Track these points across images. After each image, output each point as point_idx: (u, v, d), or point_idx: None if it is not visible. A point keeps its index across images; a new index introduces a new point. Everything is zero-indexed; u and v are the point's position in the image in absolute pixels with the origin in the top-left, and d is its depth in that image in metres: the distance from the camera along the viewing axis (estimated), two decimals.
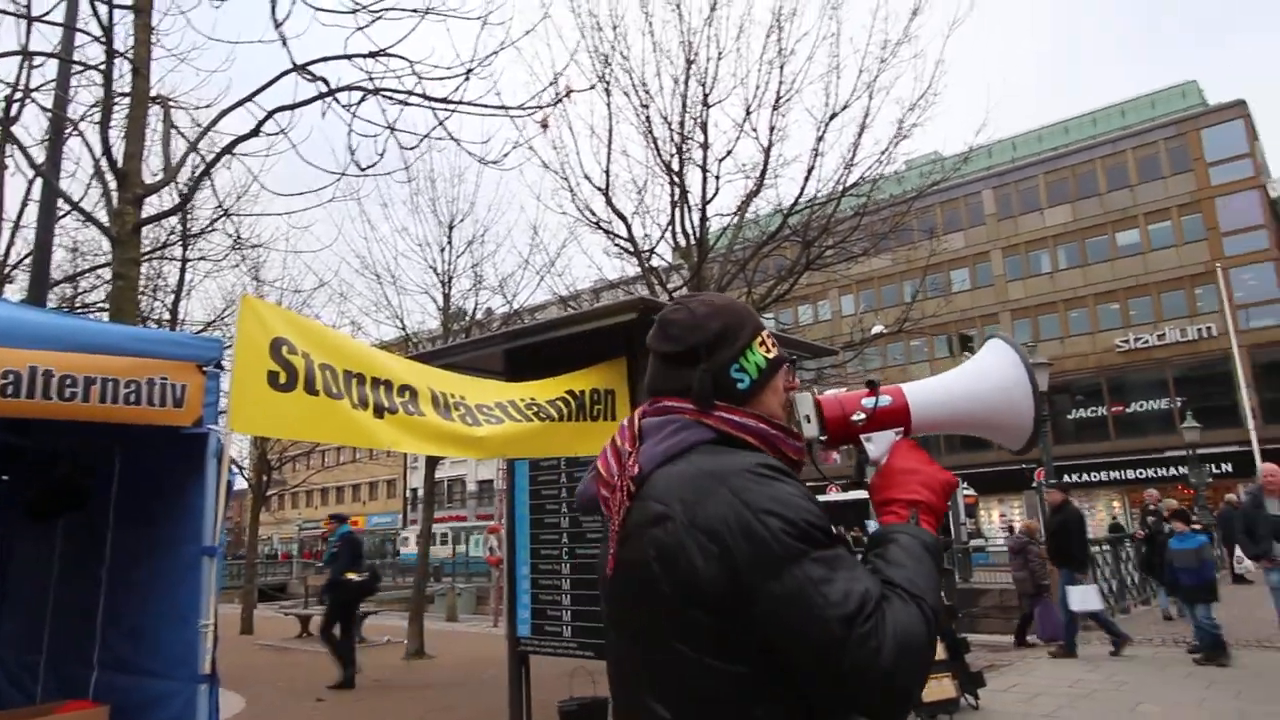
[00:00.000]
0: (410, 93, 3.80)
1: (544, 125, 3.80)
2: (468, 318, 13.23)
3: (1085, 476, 35.77)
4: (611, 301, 5.51)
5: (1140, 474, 33.66)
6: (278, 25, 3.67)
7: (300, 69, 4.28)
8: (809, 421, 1.34)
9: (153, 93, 5.49)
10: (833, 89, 9.32)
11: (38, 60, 5.46)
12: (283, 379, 3.68)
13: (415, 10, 4.44)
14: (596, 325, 5.16)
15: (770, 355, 1.30)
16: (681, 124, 9.65)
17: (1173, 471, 31.74)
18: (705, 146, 9.33)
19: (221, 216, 9.04)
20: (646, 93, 9.37)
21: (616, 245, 9.82)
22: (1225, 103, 35.62)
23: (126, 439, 3.89)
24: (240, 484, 18.36)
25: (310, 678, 10.19)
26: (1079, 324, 37.48)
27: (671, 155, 9.72)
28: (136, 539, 3.87)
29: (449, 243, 12.42)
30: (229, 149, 4.34)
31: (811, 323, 40.83)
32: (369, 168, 3.94)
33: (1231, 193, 34.02)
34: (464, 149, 4.61)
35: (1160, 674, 8.02)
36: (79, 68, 5.00)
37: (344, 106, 3.92)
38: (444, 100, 3.80)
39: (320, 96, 3.95)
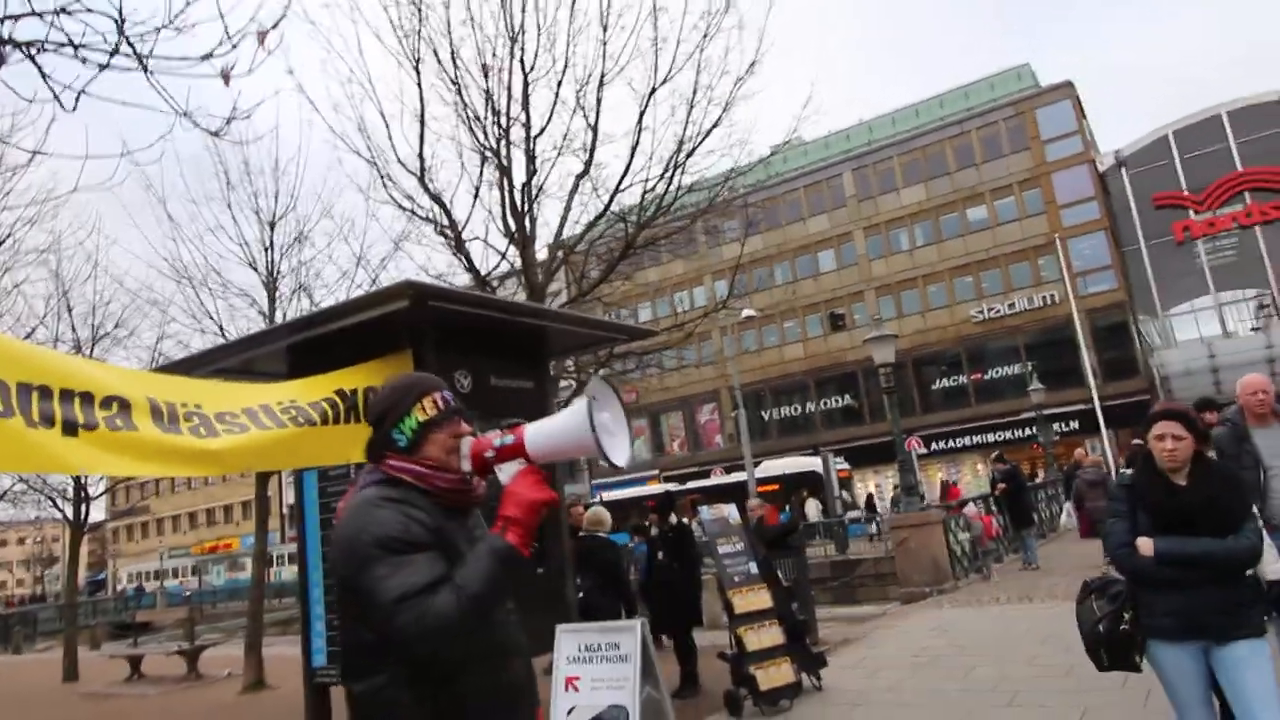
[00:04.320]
0: (64, 44, 3.16)
1: (225, 77, 3.24)
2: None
3: (951, 442, 37.49)
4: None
5: (999, 437, 35.51)
6: None
7: None
8: (465, 458, 1.82)
9: None
10: (657, 63, 9.05)
11: None
12: None
13: None
14: (368, 315, 4.63)
15: (424, 418, 1.84)
16: (508, 105, 9.17)
17: (1026, 433, 33.59)
18: (527, 125, 8.88)
19: None
20: (459, 69, 8.82)
21: (440, 234, 9.24)
22: (1054, 84, 38.01)
23: None
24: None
25: None
26: (937, 298, 39.21)
27: (499, 137, 9.22)
28: None
29: (271, 243, 11.47)
30: None
31: (687, 309, 41.14)
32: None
33: (1065, 168, 36.32)
34: (196, 121, 3.96)
35: (1001, 633, 8.16)
36: None
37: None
38: (110, 51, 3.20)
39: None
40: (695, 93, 9.26)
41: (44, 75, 3.17)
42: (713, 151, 9.93)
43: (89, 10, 3.76)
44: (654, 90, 8.99)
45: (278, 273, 11.44)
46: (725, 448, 41.53)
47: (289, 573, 32.38)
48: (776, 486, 29.18)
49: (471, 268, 9.25)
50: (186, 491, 63.58)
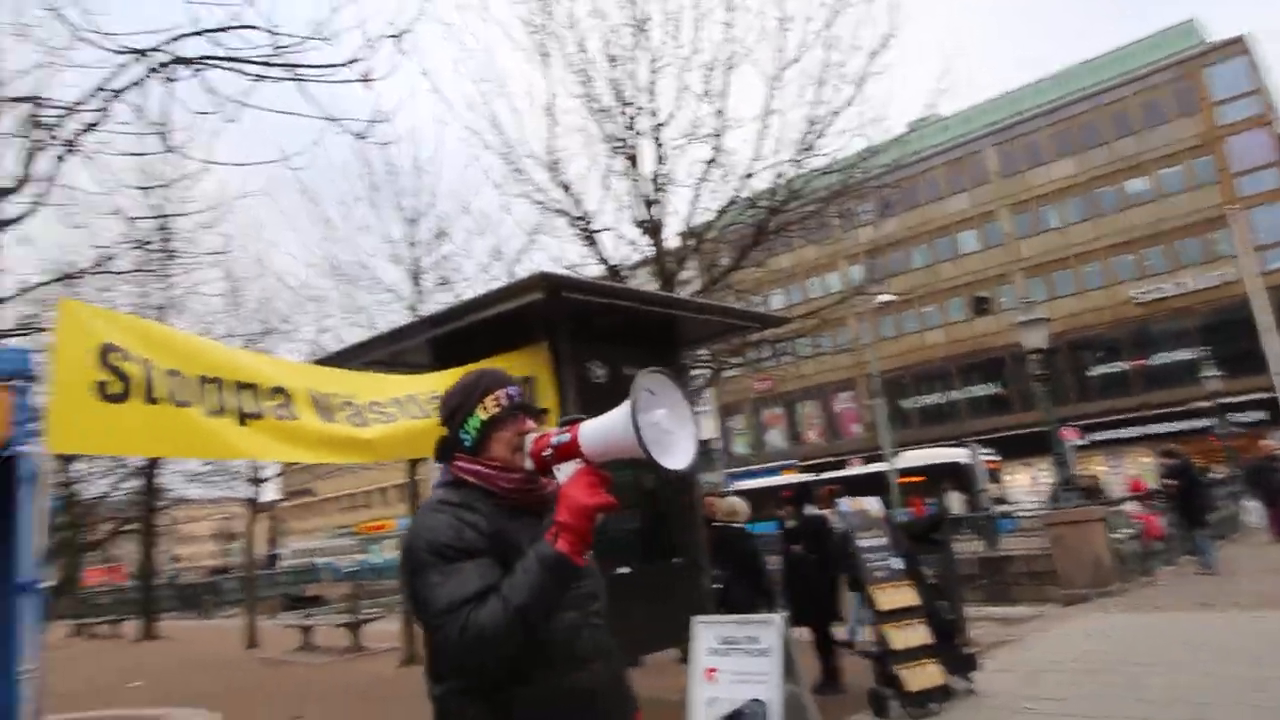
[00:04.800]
0: (226, 59, 3.39)
1: (365, 80, 3.38)
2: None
3: (1113, 433, 34.91)
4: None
5: (1168, 428, 32.72)
6: None
7: (140, 54, 3.88)
8: (527, 456, 1.75)
9: (24, 92, 5.12)
10: (784, 44, 8.80)
11: None
12: (114, 389, 3.28)
13: None
14: (504, 307, 4.74)
15: (486, 416, 1.81)
16: (634, 94, 9.17)
17: (1199, 424, 30.77)
18: (654, 114, 8.86)
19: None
20: (586, 60, 8.90)
21: (572, 226, 9.40)
22: (1225, 39, 34.48)
23: None
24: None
25: (298, 692, 9.92)
26: (1093, 278, 36.57)
27: (627, 127, 9.25)
28: None
29: (414, 240, 12.02)
30: (71, 144, 3.97)
31: (821, 295, 40.20)
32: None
33: (1241, 132, 32.95)
34: (337, 121, 4.19)
35: (1175, 641, 7.50)
36: None
37: (167, 81, 3.50)
38: (264, 63, 3.40)
39: (149, 75, 3.55)
40: (825, 71, 8.98)
41: (209, 89, 3.42)
42: (845, 131, 9.61)
43: (246, 27, 4.04)
44: (782, 72, 8.78)
45: (421, 268, 11.99)
46: (863, 437, 40.39)
47: None
48: (920, 478, 28.10)
49: (603, 258, 9.37)
50: (348, 475, 68.05)
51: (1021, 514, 25.47)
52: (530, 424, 1.81)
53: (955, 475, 27.97)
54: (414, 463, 12.43)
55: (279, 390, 3.85)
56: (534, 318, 4.88)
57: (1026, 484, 35.58)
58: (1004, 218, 39.07)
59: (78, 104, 4.22)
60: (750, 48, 8.98)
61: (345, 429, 4.00)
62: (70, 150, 4.00)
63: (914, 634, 6.12)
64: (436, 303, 11.57)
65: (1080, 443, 32.83)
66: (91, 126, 3.97)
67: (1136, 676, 6.26)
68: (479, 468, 1.77)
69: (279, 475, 18.70)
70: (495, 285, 11.77)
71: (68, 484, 20.77)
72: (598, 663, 1.76)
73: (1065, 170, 37.21)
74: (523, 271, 11.24)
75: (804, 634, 7.30)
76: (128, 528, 25.60)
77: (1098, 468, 33.86)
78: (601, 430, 1.61)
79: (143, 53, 3.84)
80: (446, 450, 1.84)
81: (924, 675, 5.93)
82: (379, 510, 67.47)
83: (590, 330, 5.21)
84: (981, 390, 39.34)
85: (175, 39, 4.08)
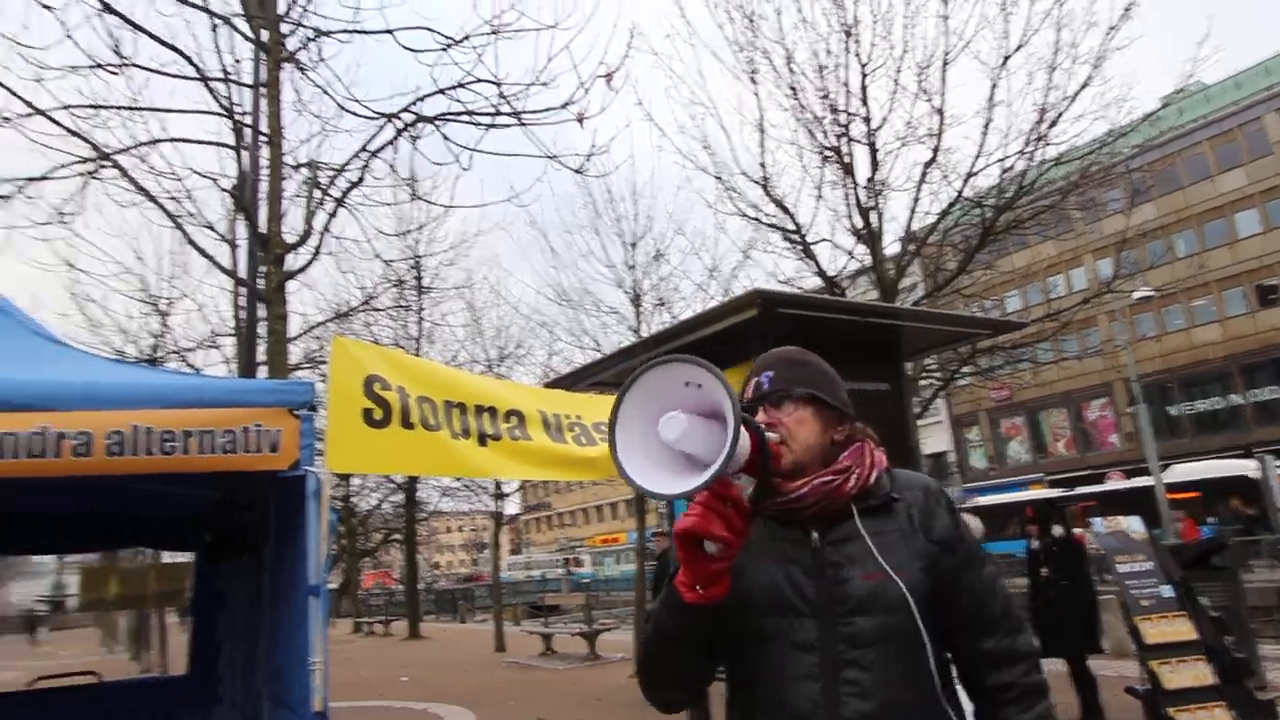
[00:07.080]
0: (460, 113, 3.75)
1: (580, 119, 3.58)
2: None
3: None
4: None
5: None
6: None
7: (390, 117, 4.39)
8: None
9: (304, 158, 5.93)
10: (1008, 29, 8.21)
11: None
12: (377, 415, 3.71)
13: (493, 32, 4.40)
14: (721, 326, 4.79)
15: None
16: (846, 101, 8.97)
17: None
18: (867, 119, 8.59)
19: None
20: (794, 72, 8.81)
21: (786, 240, 9.32)
22: None
23: (277, 483, 4.14)
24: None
25: (543, 695, 10.56)
26: None
27: (839, 135, 9.06)
28: (282, 578, 4.10)
29: (633, 263, 12.50)
30: (340, 200, 4.59)
31: (1063, 294, 36.72)
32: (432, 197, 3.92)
33: None
34: (562, 161, 4.49)
35: None
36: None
37: (413, 139, 3.95)
38: (493, 112, 3.72)
39: (398, 134, 4.03)
40: (1056, 54, 8.28)
41: (447, 140, 3.81)
42: (1082, 116, 8.79)
43: (477, 80, 4.44)
44: (1006, 59, 8.20)
45: (641, 290, 12.44)
46: (1123, 448, 36.31)
47: None
48: (1195, 494, 24.78)
49: (820, 270, 9.23)
50: (580, 490, 71.72)
51: None
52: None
53: (1240, 491, 24.36)
54: None
55: (514, 413, 4.16)
56: (751, 335, 4.89)
57: None
58: None
59: (345, 165, 4.86)
60: (969, 38, 8.49)
61: (573, 449, 4.23)
62: (340, 205, 4.63)
63: (1191, 673, 5.40)
64: (656, 323, 11.94)
65: None
66: (356, 184, 4.57)
67: None
68: None
69: (518, 490, 20.07)
70: (712, 304, 11.96)
71: (345, 498, 23.66)
72: None
73: None
74: (739, 288, 11.35)
75: (1057, 665, 6.69)
76: (394, 537, 28.63)
77: None
78: None
79: (392, 116, 4.34)
80: None
81: None
82: (609, 524, 70.31)
83: (808, 345, 5.13)
84: (1273, 393, 34.02)
85: (418, 99, 4.59)
